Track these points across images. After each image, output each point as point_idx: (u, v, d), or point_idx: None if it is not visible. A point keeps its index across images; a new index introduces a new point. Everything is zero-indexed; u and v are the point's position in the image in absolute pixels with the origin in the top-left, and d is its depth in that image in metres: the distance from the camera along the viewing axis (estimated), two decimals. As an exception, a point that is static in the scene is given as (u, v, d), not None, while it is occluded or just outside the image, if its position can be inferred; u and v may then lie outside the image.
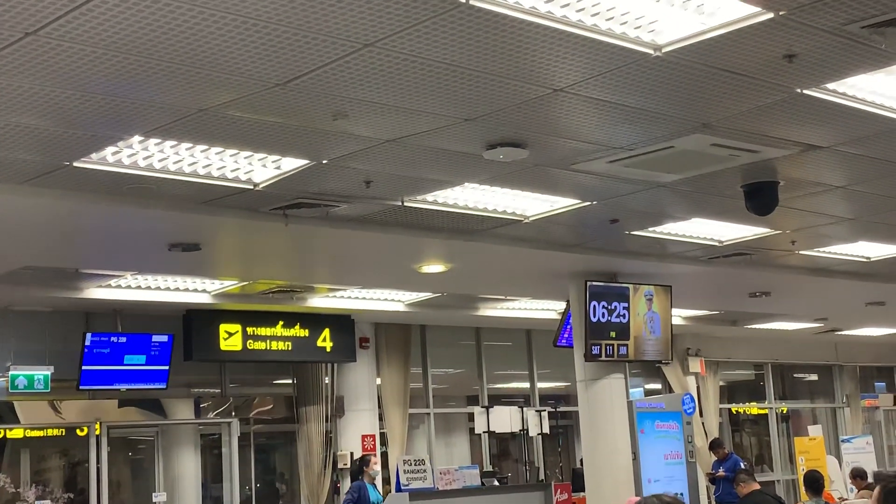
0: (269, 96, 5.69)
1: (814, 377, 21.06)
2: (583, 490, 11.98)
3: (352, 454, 13.73)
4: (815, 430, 17.36)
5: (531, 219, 8.99)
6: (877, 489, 3.75)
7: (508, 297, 13.73)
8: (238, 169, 7.13)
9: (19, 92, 5.39)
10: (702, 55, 5.52)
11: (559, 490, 12.25)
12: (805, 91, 6.19)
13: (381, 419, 14.29)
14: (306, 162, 7.00)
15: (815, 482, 10.74)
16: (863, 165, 7.90)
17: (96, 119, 5.84)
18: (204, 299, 11.76)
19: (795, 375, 20.88)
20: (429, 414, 15.19)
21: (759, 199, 8.18)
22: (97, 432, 12.02)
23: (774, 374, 19.61)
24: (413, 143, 6.71)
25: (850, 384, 20.47)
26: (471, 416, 15.05)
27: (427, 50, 5.19)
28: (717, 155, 7.35)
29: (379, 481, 13.71)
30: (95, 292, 10.91)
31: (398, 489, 11.36)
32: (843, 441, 17.76)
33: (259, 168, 7.15)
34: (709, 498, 15.43)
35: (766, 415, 19.57)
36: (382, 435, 14.27)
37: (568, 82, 5.78)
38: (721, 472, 14.45)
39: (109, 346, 11.53)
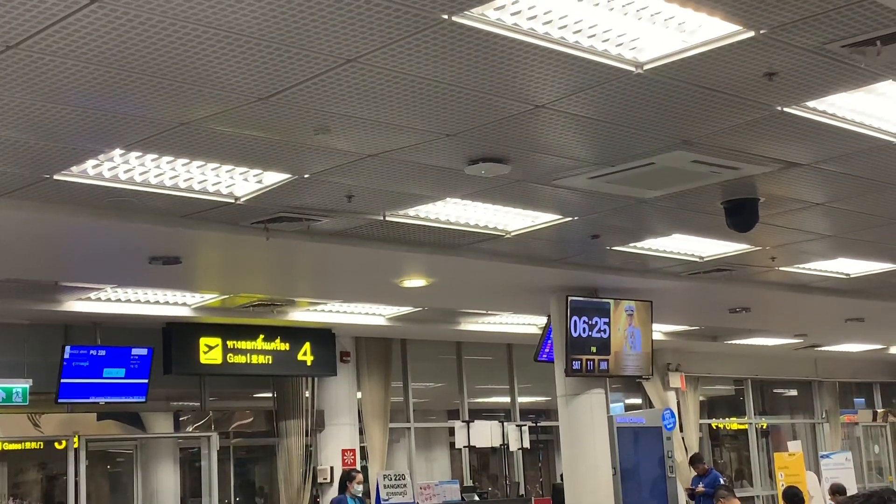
0: (251, 110, 5.68)
1: (793, 392, 21.13)
2: (563, 505, 11.98)
3: (332, 468, 13.68)
4: (794, 446, 17.37)
5: (513, 234, 9.01)
6: None
7: (489, 312, 13.74)
8: (219, 183, 7.12)
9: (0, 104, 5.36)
10: (683, 73, 5.55)
11: (539, 505, 12.23)
12: (785, 109, 6.23)
13: (361, 433, 14.25)
14: (288, 176, 6.99)
15: (793, 497, 10.80)
16: (842, 183, 7.95)
17: (77, 132, 5.82)
18: (184, 312, 11.71)
19: (775, 391, 20.94)
20: (409, 428, 15.16)
21: (740, 215, 8.22)
22: (76, 446, 11.93)
23: (754, 389, 19.67)
24: (395, 157, 6.71)
25: (830, 400, 20.55)
26: (451, 431, 15.03)
27: (409, 66, 5.19)
28: (698, 171, 7.38)
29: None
30: (75, 305, 10.85)
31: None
32: (822, 457, 17.76)
33: (240, 182, 7.13)
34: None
35: (745, 430, 19.61)
36: (363, 449, 14.23)
37: (550, 98, 5.80)
38: (700, 487, 14.44)
39: (88, 360, 11.46)
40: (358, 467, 13.52)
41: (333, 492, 13.67)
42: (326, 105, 5.67)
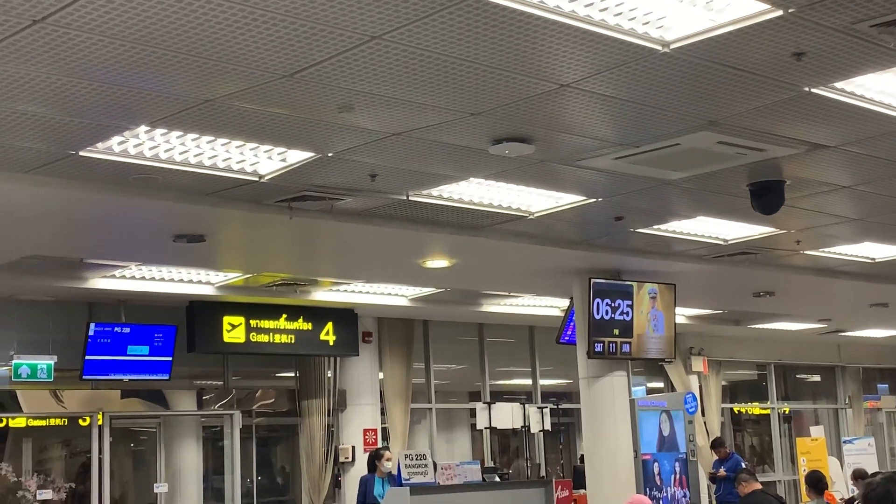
0: (276, 87, 5.68)
1: (816, 378, 21.04)
2: (583, 487, 11.98)
3: (353, 448, 13.75)
4: (816, 431, 17.33)
5: (536, 215, 8.99)
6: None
7: (512, 294, 13.73)
8: (243, 161, 7.13)
9: (26, 80, 5.38)
10: (710, 52, 5.51)
11: (560, 487, 12.21)
12: (813, 90, 6.17)
13: (382, 413, 14.29)
14: (312, 154, 6.99)
15: (817, 482, 10.73)
16: (869, 165, 7.88)
17: (102, 108, 5.84)
18: (208, 291, 11.76)
19: (798, 376, 20.86)
20: (431, 409, 15.19)
21: (765, 198, 8.17)
22: (99, 422, 12.03)
23: (777, 374, 19.59)
24: (419, 136, 6.70)
25: (853, 385, 20.45)
26: (472, 412, 15.05)
27: (434, 43, 5.18)
28: (724, 153, 7.33)
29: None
30: (99, 282, 10.91)
31: (399, 483, 11.34)
32: (844, 442, 17.73)
33: (264, 160, 7.15)
34: (709, 497, 15.43)
35: (768, 415, 19.55)
36: (384, 430, 14.26)
37: (575, 78, 5.77)
38: (722, 471, 14.43)
39: (112, 337, 11.53)
40: (382, 445, 13.56)
41: (355, 471, 13.77)
42: (351, 83, 5.66)
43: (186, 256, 9.81)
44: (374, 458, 11.70)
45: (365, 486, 11.63)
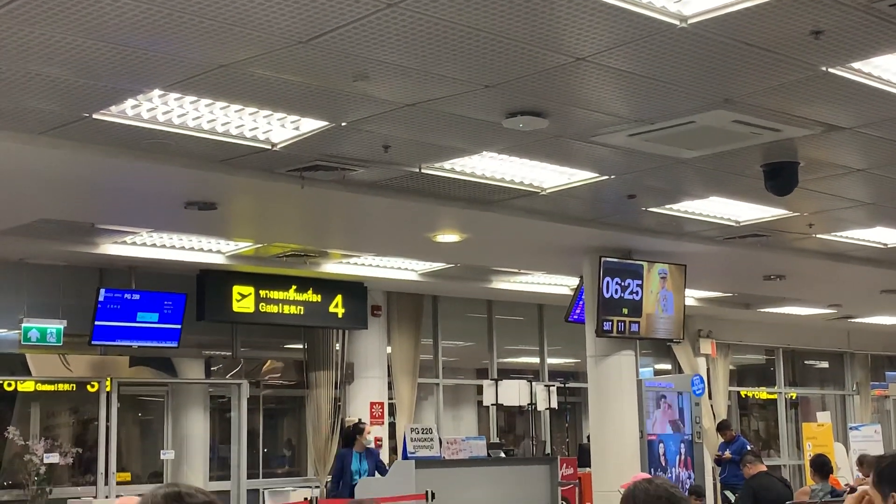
0: (291, 54, 5.66)
1: (824, 364, 21.00)
2: (588, 466, 12.00)
3: (360, 420, 13.78)
4: (823, 417, 17.33)
5: (548, 191, 8.97)
6: (872, 474, 3.70)
7: (522, 271, 13.72)
8: (256, 128, 7.12)
9: (41, 40, 5.37)
10: (728, 28, 5.47)
11: (565, 464, 12.25)
12: (830, 70, 6.13)
13: (389, 388, 14.32)
14: (325, 124, 6.97)
15: (822, 466, 10.75)
16: (885, 149, 7.83)
17: (117, 71, 5.83)
18: (218, 260, 11.78)
19: (806, 362, 20.82)
20: (438, 384, 15.22)
21: (779, 179, 8.13)
22: (108, 389, 12.08)
23: (785, 359, 19.57)
24: (433, 108, 6.68)
25: (861, 372, 20.42)
26: (479, 389, 15.07)
27: (450, 12, 5.15)
28: (739, 132, 7.30)
29: (385, 452, 13.76)
30: (110, 248, 10.93)
31: (405, 457, 11.38)
32: (851, 429, 17.73)
33: (277, 128, 7.13)
34: (714, 479, 15.44)
35: (774, 400, 19.54)
36: (391, 405, 14.30)
37: (591, 51, 5.74)
38: (727, 453, 14.44)
39: (122, 303, 11.57)
40: (385, 423, 13.60)
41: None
42: (366, 50, 5.64)
43: (197, 224, 9.82)
44: (354, 433, 11.71)
45: (342, 461, 11.65)
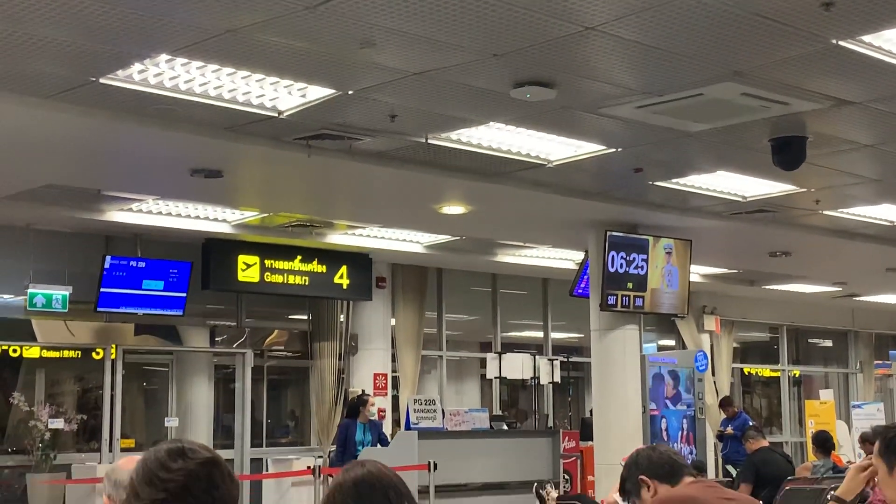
0: (299, 20, 5.64)
1: (828, 343, 21.00)
2: (591, 439, 12.04)
3: (363, 391, 13.81)
4: (826, 395, 17.35)
5: (555, 163, 8.95)
6: (877, 443, 3.68)
7: (527, 245, 13.71)
8: (263, 95, 7.11)
9: (48, 3, 5.36)
10: (738, -2, 5.44)
11: (567, 437, 12.30)
12: (840, 42, 6.10)
13: (393, 360, 14.35)
14: (332, 91, 6.96)
15: (824, 442, 10.77)
16: (894, 124, 7.80)
17: (123, 34, 5.81)
18: (224, 229, 11.78)
19: (810, 340, 20.82)
20: (441, 357, 15.25)
21: (787, 153, 8.10)
22: (112, 356, 12.11)
23: (789, 337, 19.56)
24: (440, 77, 6.66)
25: (865, 351, 20.42)
26: (483, 362, 15.09)
27: (460, -22, 5.13)
28: (747, 105, 7.27)
29: (388, 424, 13.81)
30: (116, 215, 10.93)
31: (408, 427, 11.43)
32: (853, 406, 17.75)
33: (284, 95, 7.12)
34: (716, 455, 15.48)
35: (777, 378, 19.56)
36: (394, 378, 14.33)
37: (600, 20, 5.71)
38: (730, 429, 14.47)
39: (128, 271, 11.58)
40: (368, 391, 13.63)
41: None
42: (373, 17, 5.62)
43: (203, 192, 9.82)
44: (358, 404, 11.72)
45: (346, 431, 11.66)
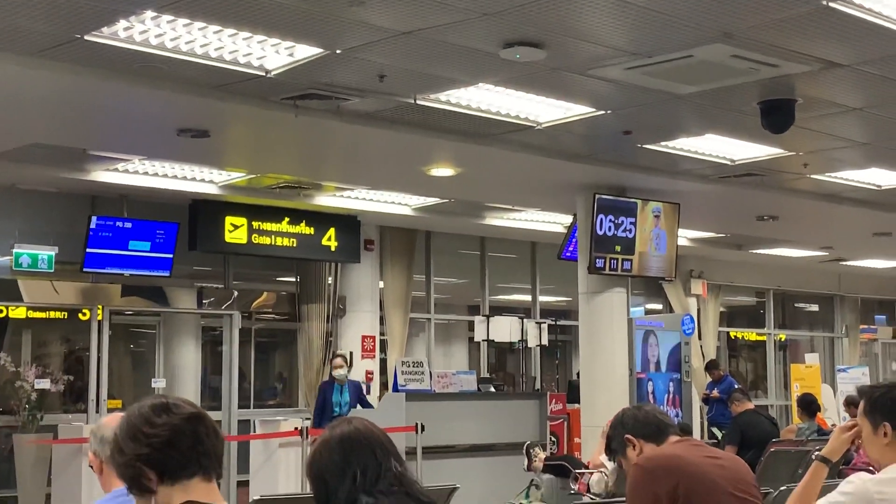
0: (286, -24, 5.58)
1: (814, 307, 21.10)
2: (577, 402, 12.08)
3: (351, 354, 13.84)
4: (811, 358, 17.44)
5: (544, 125, 8.91)
6: (862, 402, 3.70)
7: (515, 207, 13.70)
8: (250, 54, 7.05)
9: (32, -44, 5.29)
10: (729, -42, 5.40)
11: (554, 400, 12.33)
12: (831, 4, 6.07)
13: (381, 322, 14.36)
14: (320, 51, 6.90)
15: (809, 405, 10.85)
16: (883, 87, 7.78)
17: (109, -10, 5.75)
18: (211, 190, 11.73)
19: (796, 305, 20.91)
20: (429, 320, 15.26)
21: (776, 116, 8.09)
22: (99, 317, 12.09)
23: (776, 301, 19.64)
24: (429, 36, 6.61)
25: (851, 315, 20.52)
26: (471, 325, 15.11)
27: (449, -65, 5.07)
28: (737, 67, 7.24)
29: (376, 387, 13.84)
30: (102, 175, 10.87)
31: (395, 389, 11.45)
32: (839, 370, 17.85)
33: (272, 54, 7.06)
34: (702, 418, 15.57)
35: (763, 342, 19.65)
36: (382, 342, 14.34)
37: (590, -21, 5.67)
38: (715, 392, 14.55)
39: (114, 231, 11.53)
40: (344, 352, 13.64)
41: (352, 377, 13.86)
42: (362, -26, 5.56)
43: (190, 152, 9.77)
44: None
45: (324, 392, 11.72)
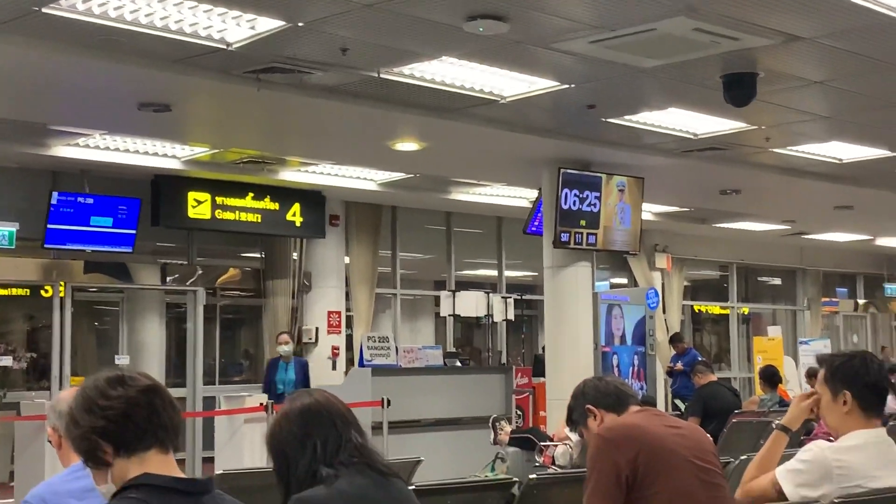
0: (246, -52, 5.53)
1: (777, 281, 21.28)
2: (543, 375, 12.14)
3: (317, 329, 13.82)
4: (774, 331, 17.61)
5: (508, 99, 8.90)
6: (822, 370, 3.73)
7: (481, 182, 13.69)
8: (211, 27, 6.98)
9: (-14, -74, 5.21)
10: (691, -70, 5.40)
11: (520, 374, 12.39)
12: (792, -23, 6.09)
13: (347, 298, 14.34)
14: (282, 23, 6.85)
15: (772, 377, 10.94)
16: (843, 60, 7.83)
17: (66, -39, 5.67)
18: (173, 165, 11.63)
19: (759, 279, 21.08)
20: (395, 295, 15.25)
21: (738, 89, 8.13)
22: (61, 293, 11.97)
23: (739, 275, 19.79)
24: (392, 9, 6.57)
25: (813, 289, 20.72)
26: (437, 301, 15.12)
27: None
28: (699, 41, 7.25)
29: (342, 363, 13.84)
30: (63, 150, 10.75)
31: (361, 364, 11.45)
32: (801, 343, 18.04)
33: (233, 27, 6.99)
34: (666, 391, 15.69)
35: (727, 315, 19.81)
36: (349, 317, 14.33)
37: (553, -49, 5.65)
38: (679, 365, 14.66)
39: (75, 207, 11.42)
40: (322, 329, 13.65)
41: (318, 352, 13.89)
42: (323, -54, 5.52)
43: (152, 127, 9.68)
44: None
45: (269, 368, 11.71)
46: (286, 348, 11.65)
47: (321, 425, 2.87)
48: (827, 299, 21.13)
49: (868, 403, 3.60)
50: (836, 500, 3.41)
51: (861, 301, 22.06)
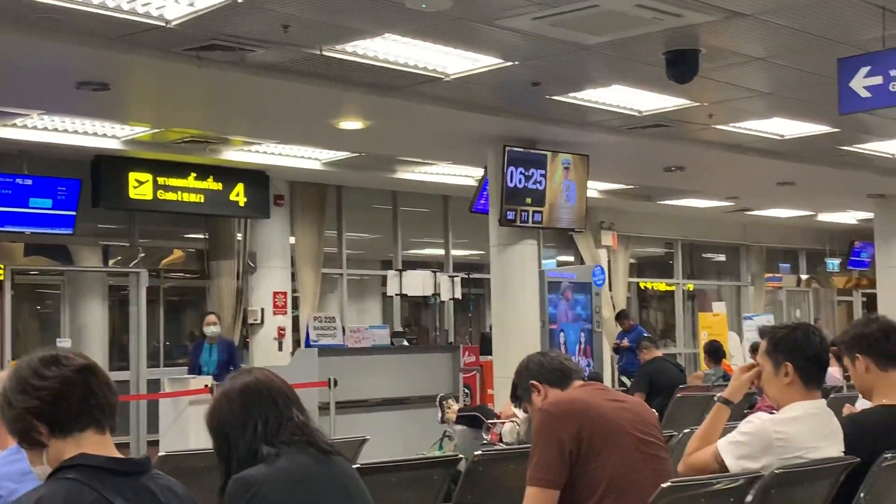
0: (183, -78, 5.43)
1: (721, 257, 21.50)
2: (490, 354, 12.18)
3: (262, 310, 13.73)
4: (718, 307, 17.80)
5: (452, 77, 8.87)
6: (764, 342, 3.75)
7: (427, 161, 13.65)
8: (149, 3, 6.88)
9: None
10: None
11: (467, 352, 12.41)
12: (733, -48, 6.11)
13: (293, 278, 14.25)
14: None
15: (716, 351, 11.08)
16: (784, 37, 7.89)
17: (-3, -64, 5.54)
18: (114, 145, 11.45)
19: (704, 255, 21.28)
20: (342, 275, 15.19)
21: (680, 66, 8.17)
22: (1, 277, 11.77)
23: (684, 252, 19.97)
24: (331, -15, 6.51)
25: (756, 265, 20.96)
26: (384, 280, 15.10)
27: None
28: (641, 17, 7.27)
29: (288, 343, 13.76)
30: (1, 131, 10.53)
31: (307, 345, 11.40)
32: (745, 318, 18.26)
33: (171, 4, 6.89)
34: (612, 368, 15.82)
35: (672, 292, 19.99)
36: (295, 298, 14.24)
37: (495, -74, 5.62)
38: (625, 342, 14.78)
39: (14, 188, 11.20)
40: (268, 310, 13.56)
41: (263, 332, 13.80)
42: (262, -80, 5.44)
43: (91, 107, 9.52)
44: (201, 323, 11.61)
45: (194, 350, 11.61)
46: (214, 329, 11.44)
47: (262, 404, 2.84)
48: (770, 275, 21.40)
49: (809, 375, 3.63)
50: (776, 471, 3.44)
51: (804, 276, 22.37)
